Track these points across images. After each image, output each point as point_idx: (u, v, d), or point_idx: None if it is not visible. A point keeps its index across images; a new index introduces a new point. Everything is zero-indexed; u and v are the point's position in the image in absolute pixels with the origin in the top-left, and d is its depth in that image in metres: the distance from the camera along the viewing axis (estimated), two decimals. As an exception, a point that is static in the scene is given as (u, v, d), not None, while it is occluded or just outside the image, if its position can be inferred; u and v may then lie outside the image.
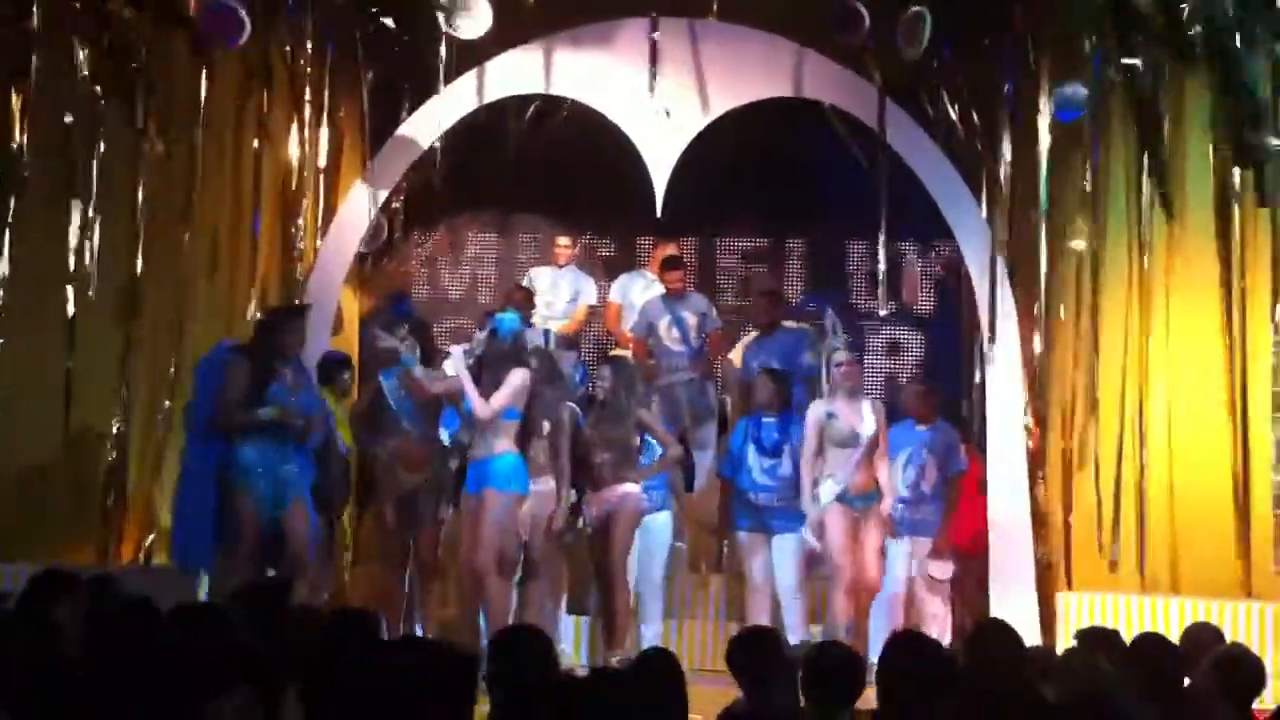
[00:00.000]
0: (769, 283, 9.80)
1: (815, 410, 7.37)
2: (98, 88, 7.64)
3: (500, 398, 6.89)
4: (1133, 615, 7.32)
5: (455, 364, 6.97)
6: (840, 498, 7.19)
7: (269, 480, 6.68)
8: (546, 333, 8.97)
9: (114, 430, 7.64)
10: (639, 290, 9.55)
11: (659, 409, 8.02)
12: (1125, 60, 7.89)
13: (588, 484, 7.29)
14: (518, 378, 6.95)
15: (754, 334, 9.02)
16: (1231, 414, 7.61)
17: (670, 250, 9.55)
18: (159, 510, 7.69)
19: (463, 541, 6.98)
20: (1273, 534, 7.48)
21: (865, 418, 7.22)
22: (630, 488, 7.27)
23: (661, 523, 7.71)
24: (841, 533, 7.15)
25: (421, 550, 7.34)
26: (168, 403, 7.82)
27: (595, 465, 7.25)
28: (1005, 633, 4.63)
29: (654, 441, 7.43)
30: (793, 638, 7.34)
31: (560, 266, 9.71)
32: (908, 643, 4.33)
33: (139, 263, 7.85)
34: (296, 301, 7.86)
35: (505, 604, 6.92)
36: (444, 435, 7.48)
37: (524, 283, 9.57)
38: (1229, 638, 5.59)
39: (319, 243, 8.56)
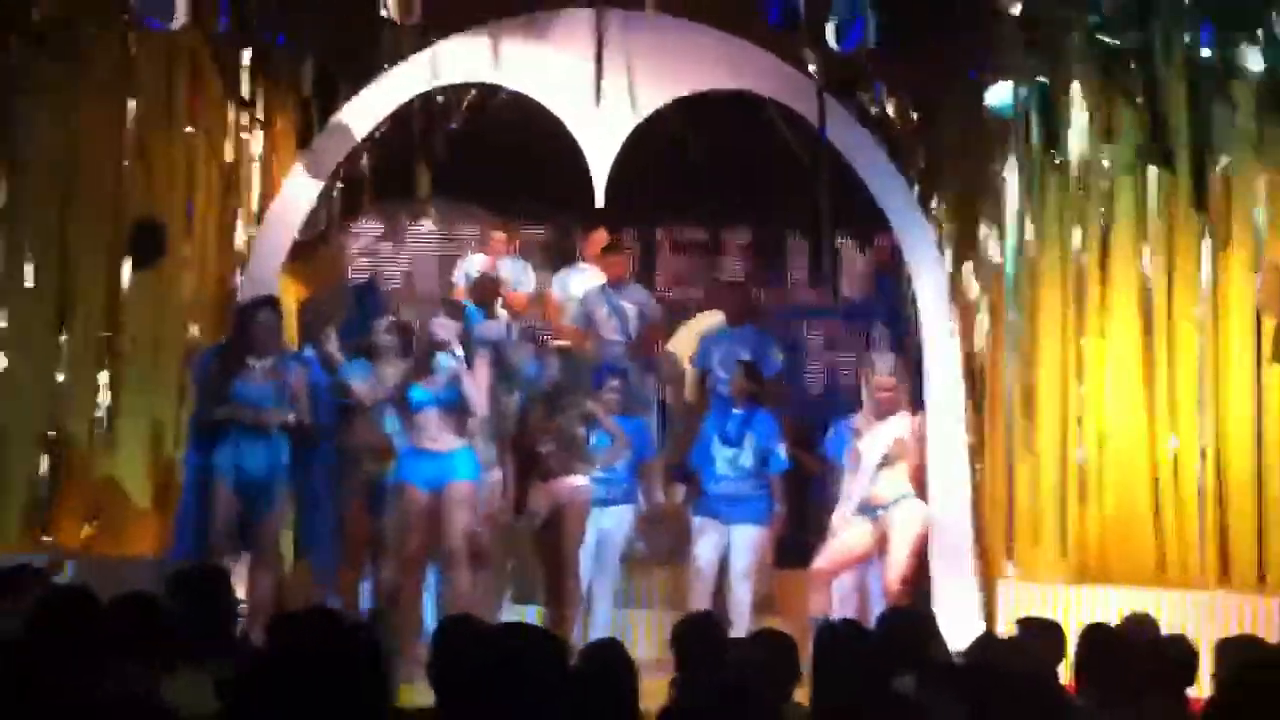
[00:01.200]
0: (741, 274, 9.86)
1: (855, 422, 7.59)
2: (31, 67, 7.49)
3: (484, 391, 6.87)
4: (1071, 604, 7.41)
5: (454, 360, 6.88)
6: (860, 510, 7.38)
7: (239, 479, 6.88)
8: (509, 325, 8.96)
9: (49, 420, 7.51)
10: (577, 282, 9.53)
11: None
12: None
13: (535, 475, 7.27)
14: (484, 371, 6.94)
15: (717, 324, 9.00)
16: (1149, 408, 7.71)
17: (604, 237, 9.55)
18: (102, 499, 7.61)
19: (416, 532, 6.91)
20: (1197, 524, 7.61)
21: (877, 442, 7.36)
22: (580, 480, 7.25)
23: (620, 515, 7.71)
24: (838, 538, 7.39)
25: (385, 540, 7.30)
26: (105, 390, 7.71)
27: (543, 457, 7.23)
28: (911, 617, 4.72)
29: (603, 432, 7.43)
30: (738, 625, 7.40)
31: (497, 256, 9.67)
32: (841, 631, 4.37)
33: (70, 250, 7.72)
34: (238, 295, 7.76)
35: (471, 594, 6.89)
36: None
37: (458, 272, 9.52)
38: (1164, 628, 5.68)
39: (255, 230, 8.47)
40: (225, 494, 6.84)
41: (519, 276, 9.67)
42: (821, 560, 7.34)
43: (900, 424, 7.46)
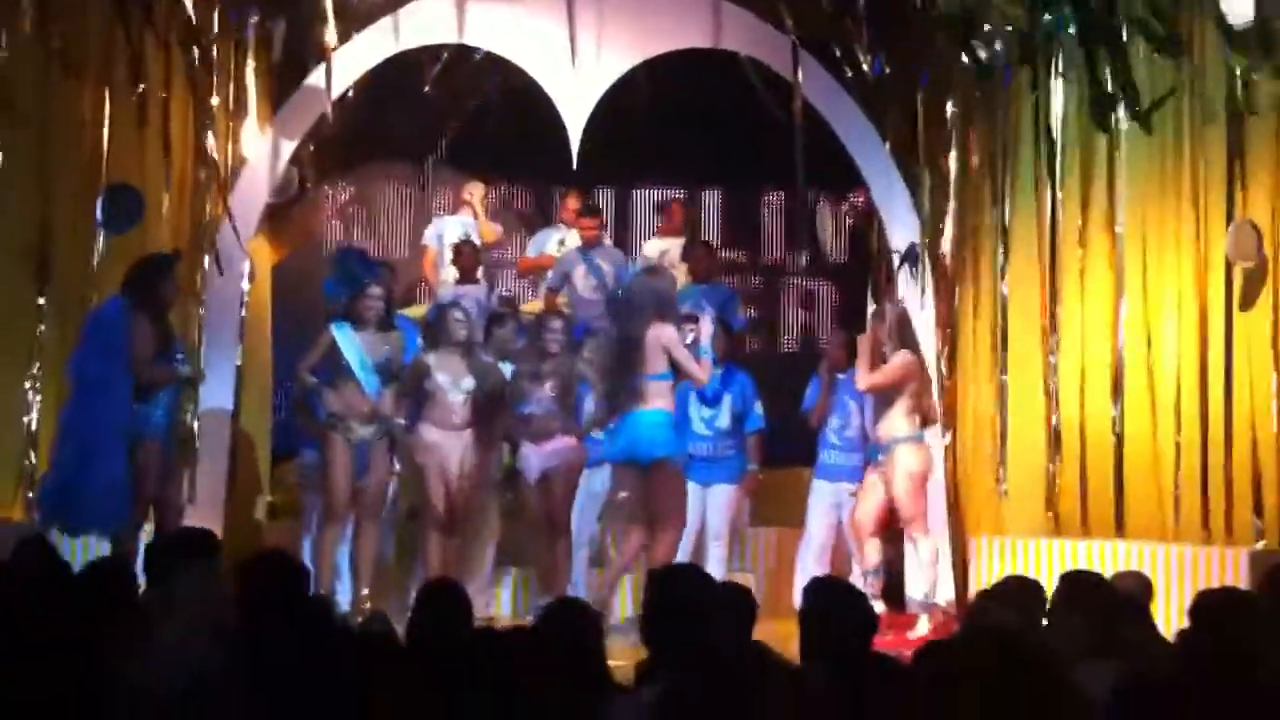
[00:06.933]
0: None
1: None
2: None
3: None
4: (1045, 558, 7.49)
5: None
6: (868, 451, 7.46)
7: (167, 436, 6.96)
8: (488, 291, 9.02)
9: (28, 391, 7.50)
10: (554, 245, 9.53)
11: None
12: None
13: (525, 438, 7.34)
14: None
15: (688, 282, 9.00)
16: (1115, 367, 7.77)
17: (578, 199, 9.52)
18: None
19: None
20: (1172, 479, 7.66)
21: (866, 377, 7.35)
22: (571, 441, 7.32)
23: (606, 475, 7.73)
24: (864, 495, 7.42)
25: (369, 500, 7.33)
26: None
27: (533, 419, 7.29)
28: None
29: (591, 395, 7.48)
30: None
31: (469, 218, 9.63)
32: (828, 588, 4.39)
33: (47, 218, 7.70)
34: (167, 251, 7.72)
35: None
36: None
37: (429, 233, 9.52)
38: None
39: (230, 195, 8.45)
40: (161, 451, 6.89)
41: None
42: (862, 515, 7.32)
43: (897, 359, 7.33)
